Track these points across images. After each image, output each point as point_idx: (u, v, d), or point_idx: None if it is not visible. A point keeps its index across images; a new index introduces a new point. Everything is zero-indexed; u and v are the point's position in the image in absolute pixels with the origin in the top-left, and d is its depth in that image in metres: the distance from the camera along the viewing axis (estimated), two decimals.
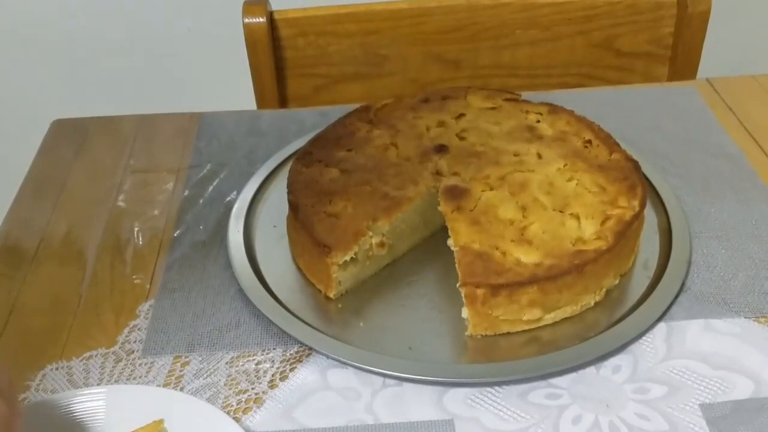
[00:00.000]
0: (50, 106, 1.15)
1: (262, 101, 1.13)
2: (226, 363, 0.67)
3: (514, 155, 0.78)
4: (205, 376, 0.66)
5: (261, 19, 1.06)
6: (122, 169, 0.89)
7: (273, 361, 0.67)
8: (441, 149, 0.79)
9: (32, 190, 0.87)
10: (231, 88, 1.30)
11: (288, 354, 0.67)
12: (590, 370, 0.65)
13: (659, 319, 0.68)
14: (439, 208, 0.73)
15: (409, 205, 0.74)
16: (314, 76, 1.14)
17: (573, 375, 0.65)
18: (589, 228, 0.70)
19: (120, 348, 0.68)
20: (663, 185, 0.82)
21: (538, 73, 1.16)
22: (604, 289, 0.71)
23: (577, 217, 0.71)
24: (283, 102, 1.15)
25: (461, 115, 0.85)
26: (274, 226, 0.80)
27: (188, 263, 0.76)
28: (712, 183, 0.83)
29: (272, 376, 0.66)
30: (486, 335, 0.68)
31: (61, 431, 0.60)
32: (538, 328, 0.68)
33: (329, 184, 0.76)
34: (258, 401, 0.64)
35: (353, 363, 0.65)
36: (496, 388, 0.64)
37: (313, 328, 0.69)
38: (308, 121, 0.95)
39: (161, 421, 0.59)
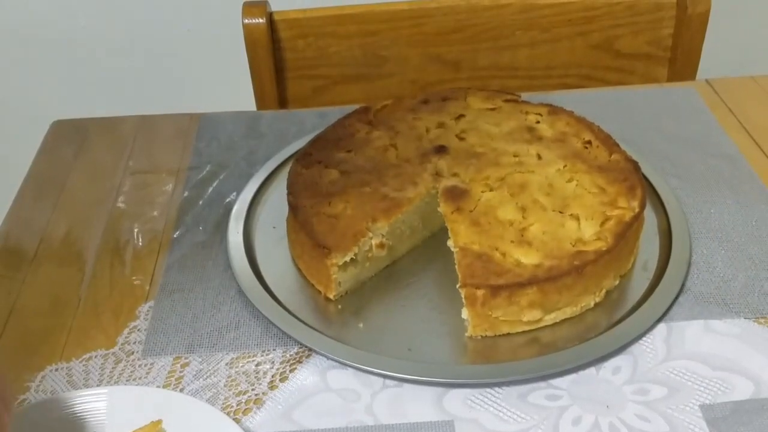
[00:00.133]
0: (50, 106, 1.15)
1: (261, 102, 1.13)
2: (226, 364, 0.67)
3: (514, 156, 0.78)
4: (205, 377, 0.66)
5: (261, 20, 1.06)
6: (122, 170, 0.89)
7: (273, 362, 0.67)
8: (441, 150, 0.79)
9: (32, 191, 0.87)
10: (231, 89, 1.30)
11: (288, 355, 0.67)
12: (590, 371, 0.65)
13: (659, 320, 0.68)
14: (439, 209, 0.73)
15: (408, 206, 0.74)
16: (314, 77, 1.14)
17: (573, 376, 0.65)
18: (588, 229, 0.70)
19: (120, 349, 0.68)
20: (663, 186, 0.82)
21: (538, 74, 1.16)
22: (604, 290, 0.71)
23: (577, 218, 0.71)
24: (282, 103, 1.15)
25: (461, 116, 0.85)
26: (274, 227, 0.80)
27: (188, 264, 0.76)
28: (712, 184, 0.83)
29: (272, 377, 0.66)
30: (486, 336, 0.68)
31: None
32: (538, 329, 0.68)
33: (329, 186, 0.76)
34: (258, 402, 0.64)
35: (353, 364, 0.65)
36: (496, 389, 0.64)
37: (313, 329, 0.69)
38: (308, 122, 0.95)
39: (159, 422, 0.59)
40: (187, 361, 0.67)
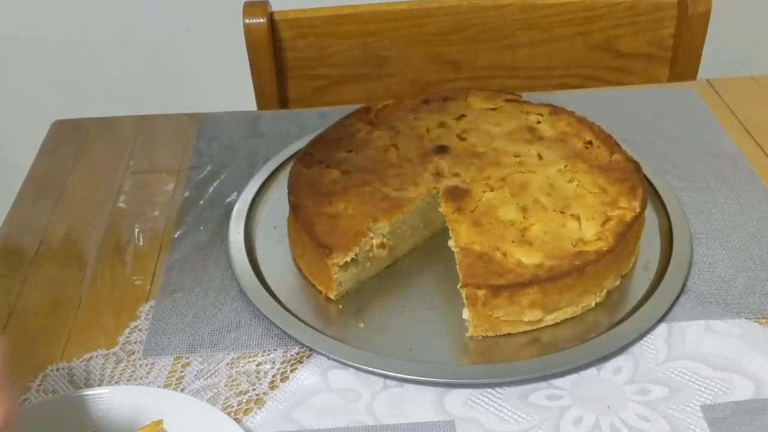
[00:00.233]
0: (50, 107, 1.15)
1: (262, 102, 1.13)
2: (227, 364, 0.67)
3: (515, 156, 0.78)
4: (205, 377, 0.66)
5: (261, 20, 1.06)
6: (122, 170, 0.89)
7: (273, 362, 0.67)
8: (441, 150, 0.79)
9: (32, 191, 0.87)
10: (231, 89, 1.30)
11: (288, 355, 0.67)
12: (591, 371, 0.65)
13: (660, 320, 0.68)
14: (440, 209, 0.73)
15: (409, 206, 0.74)
16: (315, 77, 1.14)
17: (574, 376, 0.65)
18: (589, 229, 0.70)
19: (121, 349, 0.68)
20: (664, 186, 0.82)
21: (538, 74, 1.16)
22: (604, 290, 0.71)
23: (578, 218, 0.71)
24: (283, 103, 1.15)
25: (462, 116, 0.85)
26: (275, 227, 0.80)
27: (189, 264, 0.76)
28: (713, 184, 0.83)
29: (273, 377, 0.66)
30: (487, 336, 0.68)
31: None
32: (539, 329, 0.68)
33: (330, 185, 0.76)
34: (259, 402, 0.64)
35: (354, 364, 0.65)
36: (497, 389, 0.64)
37: (314, 329, 0.69)
38: (309, 122, 0.95)
39: (160, 422, 0.59)
40: (187, 361, 0.67)
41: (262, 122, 0.96)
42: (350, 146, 0.81)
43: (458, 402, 0.63)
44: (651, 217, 0.78)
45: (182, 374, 0.66)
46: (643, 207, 0.72)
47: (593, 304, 0.70)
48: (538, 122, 0.83)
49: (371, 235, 0.72)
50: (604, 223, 0.71)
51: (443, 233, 0.73)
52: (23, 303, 0.73)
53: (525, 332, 0.68)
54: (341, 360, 0.66)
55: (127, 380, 0.66)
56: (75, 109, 1.04)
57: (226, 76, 1.43)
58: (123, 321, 0.71)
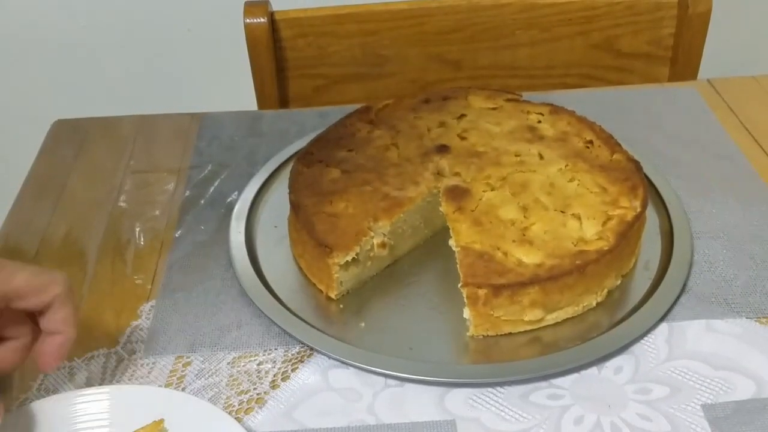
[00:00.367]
0: (50, 107, 1.15)
1: (262, 102, 1.13)
2: (228, 363, 0.67)
3: (516, 155, 0.78)
4: (206, 376, 0.66)
5: (262, 20, 1.06)
6: (123, 170, 0.89)
7: (274, 361, 0.67)
8: (442, 149, 0.79)
9: (33, 191, 0.87)
10: (231, 88, 1.30)
11: (289, 354, 0.67)
12: (592, 371, 0.65)
13: (661, 320, 0.68)
14: (441, 209, 0.73)
15: (410, 206, 0.74)
16: (315, 77, 1.14)
17: (575, 375, 0.65)
18: (590, 228, 0.70)
19: (122, 348, 0.68)
20: (664, 186, 0.82)
21: (538, 73, 1.16)
22: (605, 290, 0.71)
23: (579, 218, 0.71)
24: (283, 102, 1.15)
25: (462, 116, 0.85)
26: (275, 227, 0.80)
27: (189, 263, 0.76)
28: (714, 183, 0.83)
29: (274, 376, 0.66)
30: (487, 336, 0.68)
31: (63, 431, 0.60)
32: (540, 329, 0.68)
33: (330, 185, 0.76)
34: (260, 401, 0.64)
35: (355, 363, 0.65)
36: (498, 388, 0.64)
37: (315, 328, 0.69)
38: (309, 122, 0.95)
39: (161, 421, 0.59)
40: (188, 360, 0.67)
41: (263, 122, 0.96)
42: (351, 145, 0.81)
43: (459, 401, 0.63)
44: (652, 216, 0.78)
45: (183, 373, 0.66)
46: (643, 206, 0.72)
47: (594, 304, 0.70)
48: (539, 122, 0.83)
49: (372, 234, 0.72)
50: (604, 223, 0.71)
51: (444, 232, 0.73)
52: None
53: (526, 332, 0.68)
54: (342, 359, 0.66)
55: (128, 380, 0.66)
56: (75, 109, 1.04)
57: (226, 76, 1.43)
58: (124, 320, 0.71)
